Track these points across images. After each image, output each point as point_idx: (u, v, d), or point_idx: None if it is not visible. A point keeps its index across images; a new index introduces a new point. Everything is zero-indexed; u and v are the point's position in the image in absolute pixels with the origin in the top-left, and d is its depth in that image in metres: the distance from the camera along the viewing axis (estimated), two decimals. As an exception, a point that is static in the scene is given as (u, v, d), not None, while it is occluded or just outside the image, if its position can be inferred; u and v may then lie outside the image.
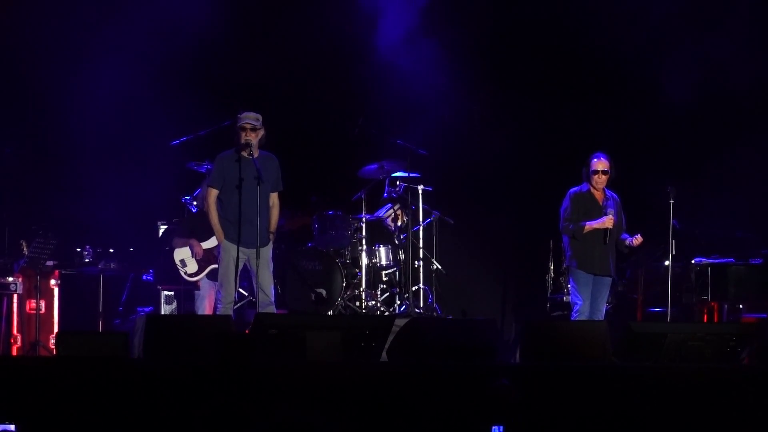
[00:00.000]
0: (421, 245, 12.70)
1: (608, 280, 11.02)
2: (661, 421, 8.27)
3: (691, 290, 12.23)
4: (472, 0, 13.40)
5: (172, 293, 11.92)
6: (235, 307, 10.44)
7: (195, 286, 11.48)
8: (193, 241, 11.40)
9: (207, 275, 11.39)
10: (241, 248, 10.03)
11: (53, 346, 11.19)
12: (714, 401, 8.36)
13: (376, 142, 12.72)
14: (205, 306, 11.31)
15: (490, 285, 13.87)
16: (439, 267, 12.76)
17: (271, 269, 10.25)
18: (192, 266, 11.42)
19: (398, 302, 12.47)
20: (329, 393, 7.91)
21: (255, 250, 10.05)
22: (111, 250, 12.30)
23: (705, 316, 12.27)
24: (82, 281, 12.15)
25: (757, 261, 12.22)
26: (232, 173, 10.12)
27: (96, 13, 12.43)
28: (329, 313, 11.98)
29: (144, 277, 12.25)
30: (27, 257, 11.38)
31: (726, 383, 8.46)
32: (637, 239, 10.90)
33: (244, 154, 10.12)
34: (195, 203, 11.87)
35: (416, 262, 12.57)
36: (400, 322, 9.45)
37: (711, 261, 12.24)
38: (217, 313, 10.20)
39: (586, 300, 10.86)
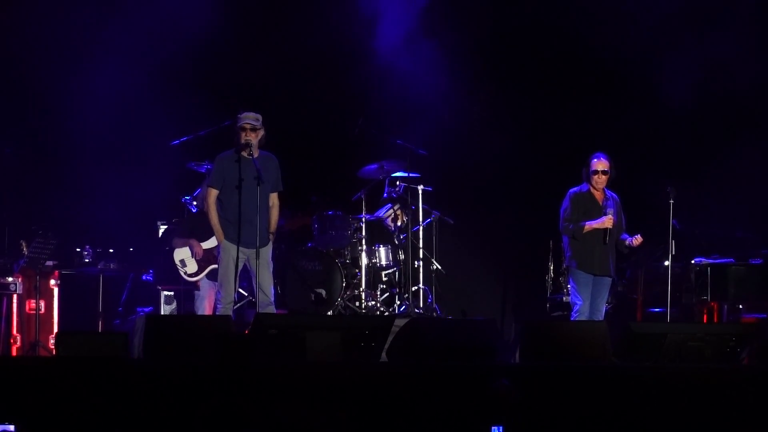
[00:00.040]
0: (420, 245, 12.69)
1: (608, 280, 11.02)
2: (661, 422, 8.27)
3: (691, 290, 12.23)
4: (471, 1, 13.39)
5: (172, 293, 11.92)
6: (235, 307, 10.43)
7: (195, 286, 11.48)
8: (193, 242, 11.40)
9: (207, 275, 11.39)
10: (240, 248, 10.03)
11: (53, 347, 11.19)
12: (714, 401, 8.36)
13: (376, 142, 12.72)
14: (204, 306, 11.31)
15: (489, 285, 13.87)
16: (439, 267, 12.76)
17: (271, 269, 10.25)
18: (192, 266, 11.42)
19: (398, 302, 12.47)
20: (329, 393, 7.92)
21: (255, 250, 10.05)
22: (111, 251, 12.30)
23: (705, 317, 12.27)
24: (82, 281, 12.15)
25: (757, 261, 12.22)
26: (232, 173, 10.12)
27: (96, 14, 12.43)
28: (329, 313, 11.98)
29: (144, 277, 12.25)
30: (27, 257, 11.38)
31: (726, 383, 8.46)
32: (637, 239, 10.90)
33: (244, 154, 10.12)
34: (195, 203, 11.87)
35: (416, 263, 12.57)
36: (399, 323, 9.45)
37: (711, 261, 12.24)
38: (217, 313, 10.20)
39: (586, 300, 10.86)
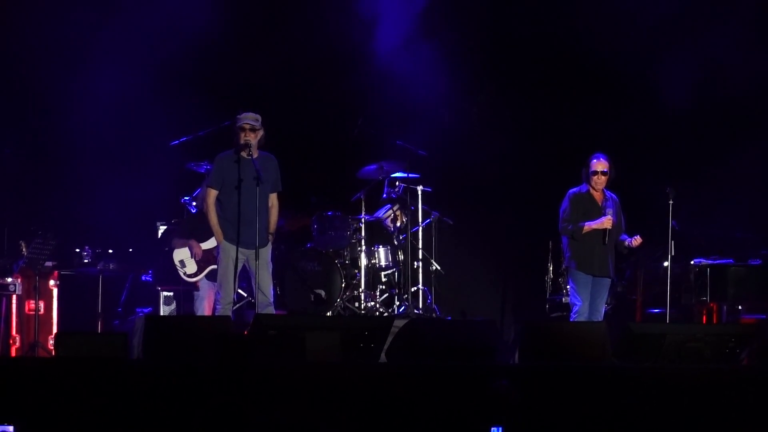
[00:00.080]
0: (420, 246, 12.70)
1: (607, 281, 11.02)
2: (660, 422, 8.27)
3: (691, 291, 12.24)
4: (470, 3, 13.39)
5: (172, 294, 11.92)
6: (234, 307, 10.43)
7: (194, 286, 11.48)
8: (193, 242, 11.40)
9: (206, 276, 11.39)
10: (240, 249, 10.03)
11: (52, 347, 11.18)
12: (713, 402, 8.36)
13: (376, 142, 12.72)
14: (204, 307, 11.30)
15: (489, 286, 13.87)
16: (438, 268, 12.76)
17: (271, 270, 10.25)
18: (191, 267, 11.42)
19: (397, 303, 12.47)
20: (328, 394, 7.91)
21: (254, 250, 10.05)
22: (110, 251, 12.29)
23: (704, 317, 12.28)
24: (81, 282, 12.15)
25: (757, 262, 12.23)
26: (231, 174, 10.12)
27: (96, 14, 12.42)
28: (328, 313, 11.98)
29: (143, 278, 12.25)
30: (26, 258, 11.37)
31: (725, 384, 8.46)
32: (637, 240, 10.90)
33: (244, 154, 10.11)
34: (194, 204, 11.87)
35: (415, 263, 12.57)
36: (399, 323, 9.45)
37: (710, 262, 12.25)
38: (216, 313, 10.20)
39: (586, 301, 10.86)
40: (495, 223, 13.56)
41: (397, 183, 12.66)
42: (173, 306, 11.92)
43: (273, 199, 10.35)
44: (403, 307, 12.28)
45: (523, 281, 13.64)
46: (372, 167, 12.58)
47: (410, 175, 12.55)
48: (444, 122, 13.38)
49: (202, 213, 10.94)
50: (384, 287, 12.60)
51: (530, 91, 13.46)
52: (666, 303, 11.53)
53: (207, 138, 11.85)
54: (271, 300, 10.19)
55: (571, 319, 10.94)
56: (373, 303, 12.27)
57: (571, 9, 13.08)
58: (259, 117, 10.21)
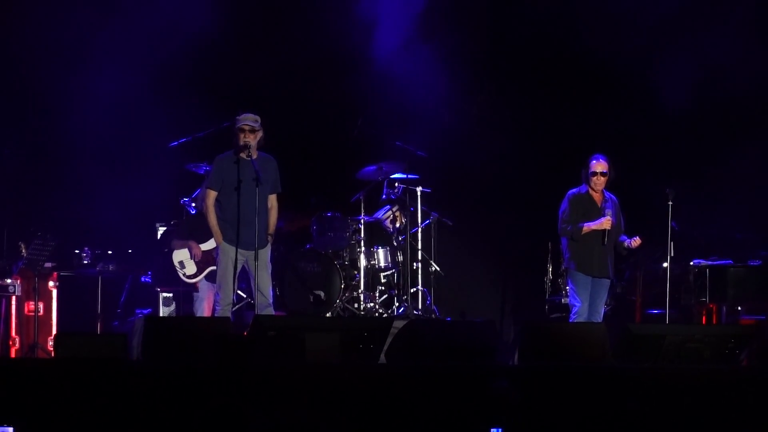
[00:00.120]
0: (419, 247, 12.70)
1: (607, 281, 11.02)
2: (660, 423, 8.27)
3: (690, 292, 12.24)
4: (470, 4, 13.40)
5: (171, 295, 11.92)
6: (234, 308, 10.42)
7: (194, 287, 11.47)
8: (192, 243, 11.39)
9: (206, 277, 11.39)
10: (239, 250, 10.03)
11: (52, 348, 11.18)
12: (713, 403, 8.36)
13: (375, 143, 12.72)
14: (203, 308, 11.30)
15: (488, 287, 13.87)
16: (438, 269, 12.76)
17: (270, 271, 10.25)
18: (191, 268, 11.42)
19: (397, 304, 12.47)
20: (328, 395, 7.91)
21: (254, 251, 10.05)
22: (109, 252, 12.29)
23: (704, 318, 12.28)
24: (81, 283, 12.15)
25: (756, 263, 12.23)
26: (230, 175, 10.12)
27: (95, 15, 12.42)
28: (328, 314, 11.98)
29: (142, 279, 12.25)
30: (25, 259, 11.37)
31: (725, 385, 8.46)
32: (636, 241, 10.90)
33: (243, 155, 10.11)
34: (194, 205, 11.87)
35: (415, 264, 12.58)
36: (398, 324, 9.45)
37: (710, 263, 12.25)
38: (216, 314, 10.20)
39: (585, 302, 10.86)
40: (494, 224, 13.56)
41: (396, 184, 12.66)
42: (173, 307, 11.92)
43: (272, 200, 10.35)
44: (402, 308, 12.28)
45: (523, 282, 13.64)
46: (371, 168, 12.58)
47: (409, 176, 12.55)
48: (443, 123, 13.38)
49: (201, 214, 10.94)
50: (383, 288, 12.60)
51: (530, 91, 13.47)
52: (665, 304, 11.53)
53: (206, 139, 11.85)
54: (271, 301, 10.19)
55: (571, 320, 10.94)
56: (372, 304, 12.27)
57: (570, 9, 13.08)
58: (258, 118, 10.21)
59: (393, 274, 12.63)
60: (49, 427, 7.56)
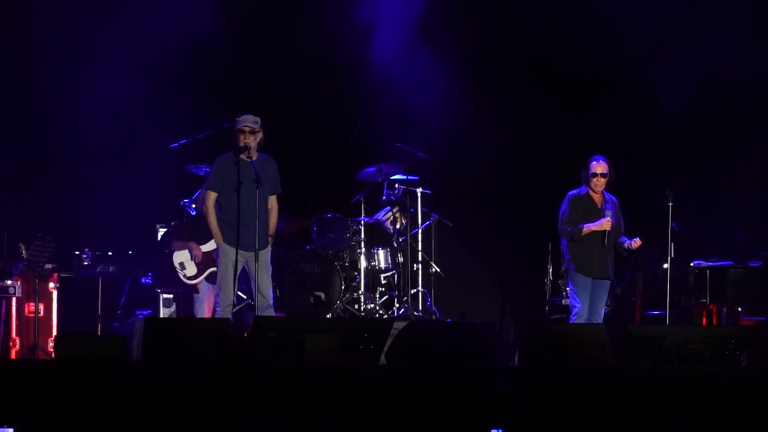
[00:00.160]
0: (419, 248, 12.71)
1: (607, 283, 11.02)
2: (660, 424, 8.27)
3: (690, 293, 12.24)
4: (469, 5, 13.40)
5: (171, 296, 11.92)
6: (234, 310, 10.43)
7: (194, 289, 11.48)
8: (192, 244, 11.40)
9: (206, 278, 11.39)
10: (239, 251, 10.03)
11: (52, 349, 11.18)
12: (713, 404, 8.36)
13: (375, 144, 12.73)
14: (204, 309, 11.30)
15: (488, 288, 13.87)
16: (438, 270, 12.76)
17: (270, 272, 10.25)
18: (191, 269, 11.42)
19: (397, 305, 12.48)
20: (328, 396, 7.91)
21: (254, 253, 10.05)
22: (110, 253, 12.29)
23: (704, 319, 12.27)
24: (81, 284, 12.14)
25: (756, 264, 12.23)
26: (230, 176, 10.12)
27: (96, 16, 12.43)
28: (328, 316, 11.98)
29: (143, 280, 12.25)
30: (26, 260, 11.37)
31: (725, 386, 8.46)
32: (636, 242, 10.90)
33: (243, 156, 10.12)
34: (194, 206, 11.87)
35: (415, 265, 12.58)
36: (398, 325, 9.45)
37: (710, 264, 12.25)
38: (216, 316, 10.20)
39: (585, 303, 10.86)
40: (494, 225, 13.56)
41: (396, 185, 12.66)
42: (173, 308, 11.92)
43: (272, 201, 10.35)
44: (402, 309, 12.28)
45: (523, 283, 13.64)
46: (371, 169, 12.58)
47: (410, 177, 12.56)
48: (443, 124, 13.38)
49: (201, 215, 10.94)
50: (383, 289, 12.60)
51: (529, 92, 13.47)
52: (665, 305, 11.54)
53: (206, 140, 11.86)
54: (271, 302, 10.19)
55: (571, 321, 10.94)
56: (372, 305, 12.27)
57: (569, 10, 13.08)
58: (258, 119, 10.22)
59: (393, 275, 12.63)
60: (50, 429, 7.56)
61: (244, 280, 10.51)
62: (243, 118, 10.19)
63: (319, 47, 12.99)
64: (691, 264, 12.27)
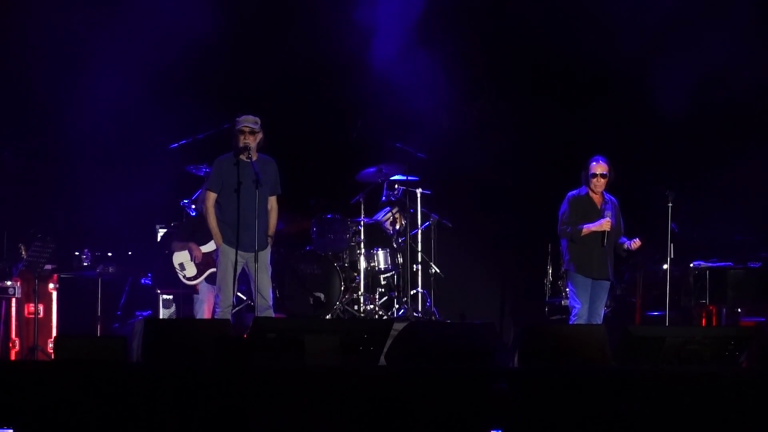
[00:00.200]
0: (419, 249, 12.70)
1: (606, 283, 11.02)
2: (660, 425, 8.27)
3: (690, 294, 12.23)
4: (468, 7, 13.40)
5: (171, 297, 11.92)
6: (234, 310, 10.43)
7: (194, 289, 11.48)
8: (192, 245, 11.40)
9: (206, 279, 11.39)
10: (239, 252, 10.03)
11: (51, 350, 11.18)
12: (713, 405, 8.35)
13: (375, 145, 12.72)
14: (203, 310, 11.30)
15: (488, 289, 13.87)
16: (438, 271, 12.76)
17: (270, 273, 10.25)
18: (191, 270, 11.42)
19: (396, 306, 12.47)
20: (328, 397, 7.91)
21: (253, 253, 10.05)
22: (109, 254, 12.29)
23: (703, 320, 12.27)
24: (81, 285, 12.15)
25: (756, 264, 12.22)
26: (230, 177, 10.12)
27: (96, 17, 12.43)
28: (328, 316, 11.98)
29: (142, 281, 12.25)
30: (25, 261, 11.37)
31: (724, 387, 8.45)
32: (636, 243, 10.91)
33: (243, 157, 10.12)
34: (194, 206, 11.87)
35: (414, 266, 12.58)
36: (398, 326, 9.45)
37: (709, 264, 12.25)
38: (216, 316, 10.20)
39: (585, 304, 10.86)
40: (494, 225, 13.56)
41: (396, 186, 12.66)
42: (173, 309, 11.92)
43: (272, 202, 10.35)
44: (402, 310, 12.28)
45: (523, 284, 13.63)
46: (371, 170, 12.58)
47: (409, 177, 12.55)
48: (443, 125, 13.38)
49: (201, 216, 10.94)
50: (383, 290, 12.60)
51: (529, 93, 13.47)
52: (665, 306, 11.53)
53: (206, 141, 11.86)
54: (271, 303, 10.19)
55: (571, 322, 10.94)
56: (372, 306, 12.27)
57: (569, 12, 13.08)
58: (258, 120, 10.22)
59: (393, 276, 12.63)
60: (50, 430, 7.56)
61: (244, 280, 10.52)
62: (243, 118, 10.20)
63: (319, 48, 12.99)
64: (691, 265, 12.27)
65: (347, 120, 12.87)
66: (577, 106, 13.39)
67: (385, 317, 12.12)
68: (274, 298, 10.63)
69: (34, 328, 11.50)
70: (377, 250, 12.45)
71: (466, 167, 13.48)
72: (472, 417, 7.99)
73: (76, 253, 12.20)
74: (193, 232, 11.43)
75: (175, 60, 12.34)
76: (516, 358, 9.32)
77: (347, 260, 12.40)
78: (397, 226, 12.65)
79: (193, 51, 12.38)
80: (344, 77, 13.01)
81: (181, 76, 12.60)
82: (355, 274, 12.35)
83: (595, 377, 8.51)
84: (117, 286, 12.28)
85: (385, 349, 9.00)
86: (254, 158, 10.09)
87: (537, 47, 13.42)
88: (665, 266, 11.68)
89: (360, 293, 12.25)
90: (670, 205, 11.25)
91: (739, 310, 12.19)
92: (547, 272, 12.54)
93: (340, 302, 12.13)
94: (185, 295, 11.69)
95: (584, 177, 11.01)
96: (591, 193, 11.00)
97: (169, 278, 11.55)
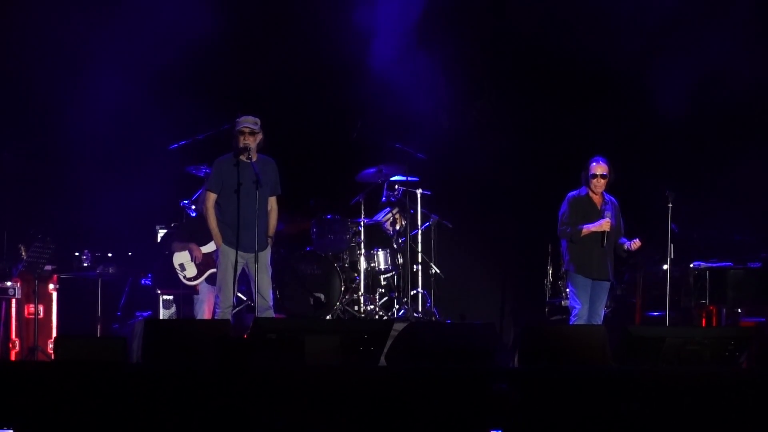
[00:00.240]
0: (419, 249, 12.70)
1: (606, 284, 11.02)
2: (660, 425, 8.27)
3: (690, 294, 12.23)
4: (468, 8, 13.40)
5: (171, 297, 11.92)
6: (234, 311, 10.43)
7: (194, 290, 11.48)
8: (193, 246, 11.40)
9: (206, 279, 11.39)
10: (239, 252, 10.03)
11: (51, 351, 11.18)
12: (712, 405, 8.36)
13: (375, 145, 12.72)
14: (204, 310, 11.30)
15: (488, 289, 13.86)
16: (438, 271, 12.76)
17: (270, 273, 10.25)
18: (191, 270, 11.42)
19: (397, 306, 12.47)
20: (328, 397, 7.91)
21: (254, 254, 10.05)
22: (109, 255, 12.29)
23: (703, 320, 12.27)
24: (81, 285, 12.14)
25: (756, 265, 12.22)
26: (230, 177, 10.12)
27: (96, 17, 12.43)
28: (328, 317, 11.98)
29: (143, 282, 12.25)
30: (25, 262, 11.37)
31: (724, 387, 8.46)
32: (636, 243, 10.90)
33: (243, 158, 10.12)
34: (194, 207, 11.87)
35: (415, 266, 12.57)
36: (398, 327, 9.45)
37: (709, 265, 12.25)
38: (216, 317, 10.20)
39: (585, 304, 10.86)
40: (494, 226, 13.56)
41: (396, 186, 12.66)
42: (173, 309, 11.92)
43: (272, 202, 10.35)
44: (402, 311, 12.28)
45: (523, 284, 13.64)
46: (371, 170, 12.58)
47: (409, 178, 12.55)
48: (443, 125, 13.38)
49: (201, 216, 10.94)
50: (383, 290, 12.60)
51: (529, 94, 13.46)
52: (665, 306, 11.53)
53: (206, 141, 11.86)
54: (271, 303, 10.19)
55: (571, 323, 10.94)
56: (372, 306, 12.27)
57: (568, 13, 13.08)
58: (258, 120, 10.22)
59: (393, 276, 12.63)
60: (49, 430, 7.56)
61: (244, 281, 10.52)
62: (243, 119, 10.20)
63: (319, 48, 12.99)
64: (691, 265, 12.27)
65: (347, 120, 12.87)
66: (577, 106, 13.39)
67: (385, 318, 12.12)
68: (275, 298, 10.63)
69: (34, 328, 11.50)
70: (377, 251, 12.45)
71: (466, 167, 13.48)
72: (472, 417, 7.99)
73: (76, 254, 12.20)
74: (193, 233, 11.43)
75: (175, 60, 12.34)
76: (516, 358, 9.32)
77: (347, 261, 12.41)
78: (398, 227, 12.65)
79: (193, 51, 12.38)
80: (344, 78, 13.01)
81: (181, 76, 12.60)
82: (356, 275, 12.35)
83: (595, 377, 8.52)
84: (117, 286, 12.28)
85: (386, 350, 9.00)
86: (254, 159, 10.10)
87: (537, 47, 13.42)
88: (665, 266, 11.68)
89: (360, 294, 12.25)
90: (670, 205, 11.25)
91: (739, 310, 12.19)
92: (547, 272, 12.54)
93: (341, 303, 12.14)
94: (185, 296, 11.70)
95: (584, 177, 11.01)
96: (591, 194, 11.00)
97: (170, 279, 11.55)
